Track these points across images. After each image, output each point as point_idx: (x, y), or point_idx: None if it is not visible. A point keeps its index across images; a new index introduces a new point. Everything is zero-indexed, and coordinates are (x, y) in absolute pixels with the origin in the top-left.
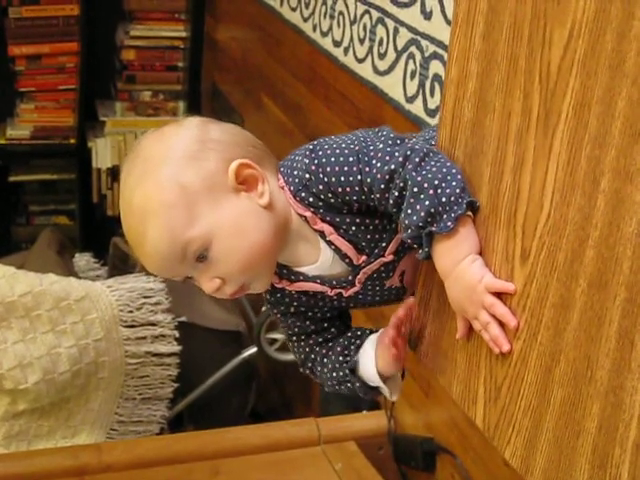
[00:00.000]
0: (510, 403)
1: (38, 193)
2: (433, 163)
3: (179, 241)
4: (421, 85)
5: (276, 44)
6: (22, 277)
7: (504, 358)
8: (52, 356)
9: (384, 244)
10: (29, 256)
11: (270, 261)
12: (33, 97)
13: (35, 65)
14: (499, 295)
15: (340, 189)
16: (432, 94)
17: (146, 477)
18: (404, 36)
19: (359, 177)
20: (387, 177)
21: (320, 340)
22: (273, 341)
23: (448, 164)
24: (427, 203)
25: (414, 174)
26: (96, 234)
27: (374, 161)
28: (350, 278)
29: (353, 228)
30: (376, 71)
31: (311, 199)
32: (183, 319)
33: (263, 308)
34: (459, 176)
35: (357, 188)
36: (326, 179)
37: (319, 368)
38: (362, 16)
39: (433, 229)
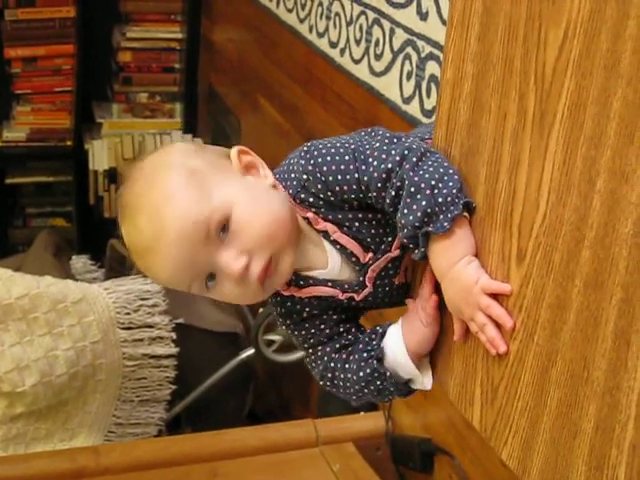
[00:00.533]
0: (507, 404)
1: (35, 195)
2: (430, 163)
3: (201, 213)
4: (417, 86)
5: (272, 45)
6: (19, 280)
7: (501, 359)
8: (49, 359)
9: (389, 238)
10: (26, 258)
11: (292, 234)
12: (29, 99)
13: (31, 67)
14: (495, 296)
15: (338, 188)
16: (428, 95)
17: None
18: (400, 37)
19: (356, 175)
20: (384, 176)
21: (337, 346)
22: (271, 342)
23: (445, 164)
24: (424, 203)
25: (411, 174)
26: (93, 236)
27: (370, 159)
28: (361, 279)
29: (356, 224)
30: (372, 72)
31: (311, 199)
32: (180, 321)
33: (260, 309)
34: (456, 176)
35: (354, 186)
36: (323, 178)
37: (341, 376)
38: (358, 17)
39: (429, 229)
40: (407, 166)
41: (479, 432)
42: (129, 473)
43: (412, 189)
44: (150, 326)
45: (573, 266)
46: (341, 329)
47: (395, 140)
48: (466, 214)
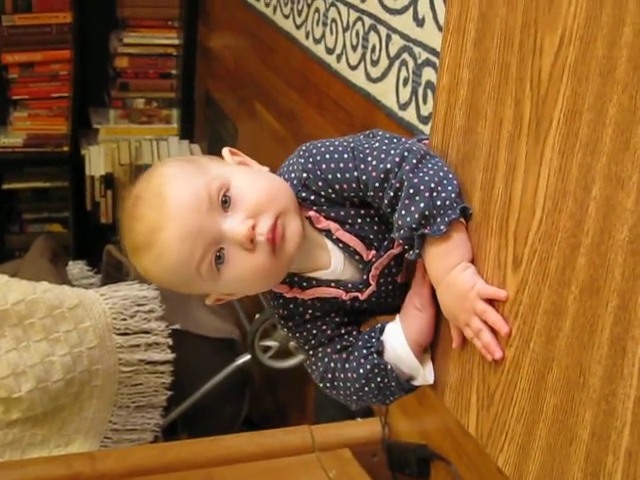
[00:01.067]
0: (503, 410)
1: (31, 201)
2: (430, 165)
3: (200, 183)
4: (414, 92)
5: (269, 51)
6: (15, 285)
7: (497, 365)
8: (45, 364)
9: (392, 235)
10: (22, 264)
11: (294, 200)
12: (26, 105)
13: (28, 73)
14: (491, 303)
15: (338, 185)
16: (425, 101)
17: None
18: (397, 43)
19: (355, 174)
20: (382, 176)
21: (338, 347)
22: (267, 349)
23: (445, 168)
24: (422, 205)
25: (411, 175)
26: (89, 242)
27: (369, 158)
28: (364, 277)
29: (359, 220)
30: (369, 78)
31: (312, 197)
32: (177, 327)
33: (257, 315)
34: (455, 181)
35: (354, 184)
36: (323, 176)
37: (341, 376)
38: (355, 23)
39: (426, 231)
40: (407, 167)
41: (475, 438)
42: (125, 479)
43: (411, 191)
44: (146, 332)
45: (569, 273)
46: (342, 331)
47: (395, 140)
48: (463, 220)
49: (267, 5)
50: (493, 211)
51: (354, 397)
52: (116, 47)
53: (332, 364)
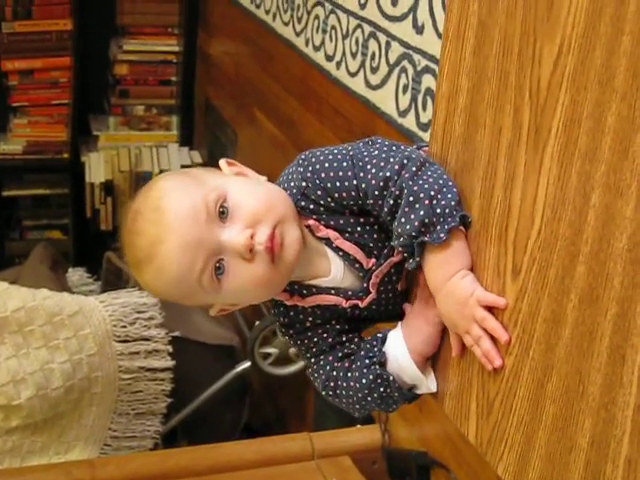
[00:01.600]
0: (502, 419)
1: (31, 208)
2: (430, 173)
3: (197, 195)
4: (413, 99)
5: (269, 58)
6: (15, 292)
7: (496, 373)
8: (45, 372)
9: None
10: (22, 271)
11: (292, 208)
12: (26, 112)
13: (28, 80)
14: (491, 311)
15: (337, 194)
16: (424, 108)
17: None
18: (396, 50)
19: (354, 182)
20: (382, 184)
21: (340, 355)
22: (267, 355)
23: (445, 176)
24: (422, 213)
25: (410, 183)
26: (89, 249)
27: (369, 166)
28: (364, 285)
29: (358, 229)
30: (368, 85)
31: (312, 206)
32: (177, 334)
33: (257, 322)
34: (455, 189)
35: (353, 193)
36: (322, 184)
37: (344, 384)
38: (354, 30)
39: (425, 239)
40: (406, 175)
41: (475, 446)
42: None
43: (411, 198)
44: (146, 339)
45: (568, 281)
46: (343, 338)
47: (394, 148)
48: (462, 228)
49: (267, 12)
50: (492, 219)
51: (357, 406)
52: (116, 54)
53: (334, 372)
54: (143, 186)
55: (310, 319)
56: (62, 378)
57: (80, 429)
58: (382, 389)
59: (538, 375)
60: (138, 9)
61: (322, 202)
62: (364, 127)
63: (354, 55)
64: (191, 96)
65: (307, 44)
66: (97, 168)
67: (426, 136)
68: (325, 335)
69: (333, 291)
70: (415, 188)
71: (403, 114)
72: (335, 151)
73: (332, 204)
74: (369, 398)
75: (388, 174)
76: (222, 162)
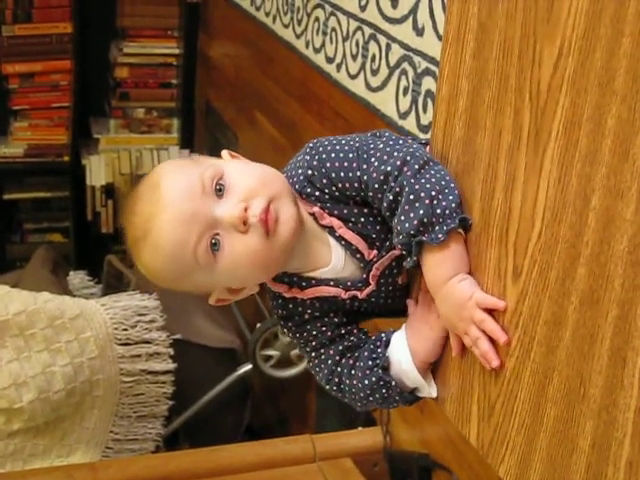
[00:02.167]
0: (504, 421)
1: (32, 211)
2: (433, 172)
3: (194, 172)
4: (414, 101)
5: (269, 61)
6: (16, 296)
7: (497, 376)
8: (47, 375)
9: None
10: (23, 274)
11: (287, 187)
12: (27, 115)
13: (28, 83)
14: (491, 313)
15: (340, 184)
16: (425, 110)
17: None
18: (396, 52)
19: (358, 173)
20: (382, 177)
21: (341, 349)
22: (268, 358)
23: (447, 177)
24: (421, 212)
25: (412, 181)
26: (90, 252)
27: (372, 159)
28: (364, 276)
29: (362, 219)
30: (369, 87)
31: (317, 193)
32: (178, 336)
33: (258, 325)
34: (456, 191)
35: (356, 184)
36: (327, 174)
37: (347, 381)
38: (355, 32)
39: (423, 239)
40: (408, 173)
41: (476, 449)
42: None
43: (411, 197)
44: (147, 342)
45: (569, 283)
46: (342, 331)
47: (400, 142)
48: (461, 231)
49: (267, 14)
50: (493, 222)
51: (359, 403)
52: (116, 57)
53: (338, 369)
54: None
55: (309, 311)
56: (63, 381)
57: (82, 432)
58: (384, 391)
59: (539, 377)
60: (138, 12)
61: (327, 190)
62: (364, 129)
63: (354, 57)
64: (191, 99)
65: (307, 46)
66: (98, 171)
67: (426, 138)
68: (324, 329)
69: (332, 282)
70: (416, 187)
71: (403, 116)
72: (343, 141)
73: (336, 193)
74: (371, 398)
75: (389, 169)
76: (224, 152)
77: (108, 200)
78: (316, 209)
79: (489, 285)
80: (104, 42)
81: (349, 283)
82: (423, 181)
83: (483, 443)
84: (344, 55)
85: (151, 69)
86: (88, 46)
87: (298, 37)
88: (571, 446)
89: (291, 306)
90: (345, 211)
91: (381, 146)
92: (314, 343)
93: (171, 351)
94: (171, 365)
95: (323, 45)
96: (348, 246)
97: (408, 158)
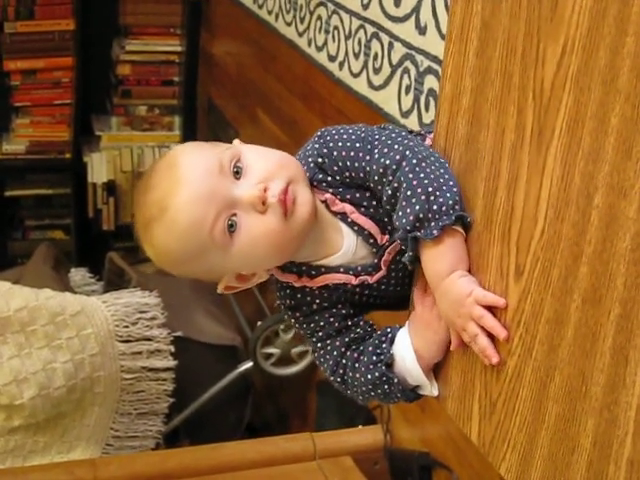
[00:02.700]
0: (505, 419)
1: (34, 208)
2: (433, 168)
3: (212, 153)
4: (416, 100)
5: (271, 59)
6: (18, 292)
7: (499, 374)
8: (48, 371)
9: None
10: (25, 271)
11: (303, 172)
12: (28, 112)
13: (30, 80)
14: (491, 311)
15: (348, 173)
16: (427, 109)
17: None
18: (399, 51)
19: (363, 163)
20: (381, 170)
21: (347, 340)
22: (269, 356)
23: (446, 174)
24: (417, 208)
25: (410, 176)
26: (92, 249)
27: (375, 150)
28: (375, 261)
29: (374, 203)
30: (371, 86)
31: (329, 179)
32: (179, 334)
33: (259, 323)
34: (455, 189)
35: (361, 174)
36: (336, 161)
37: (351, 374)
38: (357, 31)
39: (418, 234)
40: (407, 168)
41: (477, 447)
42: None
43: (409, 192)
44: (148, 339)
45: (571, 281)
46: (349, 322)
47: (403, 134)
48: (459, 228)
49: (269, 12)
50: (495, 220)
51: (361, 397)
52: (118, 54)
53: (343, 361)
54: None
55: (317, 301)
56: (64, 378)
57: (82, 429)
58: (386, 387)
59: (541, 376)
60: (140, 9)
61: (338, 177)
62: None
63: (357, 55)
64: (193, 96)
65: (310, 44)
66: (99, 168)
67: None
68: (331, 320)
69: (342, 269)
70: (414, 182)
71: (406, 115)
72: (350, 131)
73: (347, 179)
74: (372, 392)
75: (388, 162)
76: (236, 141)
77: (109, 197)
78: (328, 195)
79: (491, 283)
80: (106, 39)
81: (359, 268)
82: (421, 176)
83: (484, 441)
84: (346, 53)
85: (153, 67)
86: (90, 43)
87: (300, 35)
88: (572, 444)
89: (299, 296)
90: (357, 195)
91: (383, 139)
92: (321, 334)
93: (172, 348)
94: (172, 362)
95: (325, 43)
96: (361, 231)
97: (407, 153)
